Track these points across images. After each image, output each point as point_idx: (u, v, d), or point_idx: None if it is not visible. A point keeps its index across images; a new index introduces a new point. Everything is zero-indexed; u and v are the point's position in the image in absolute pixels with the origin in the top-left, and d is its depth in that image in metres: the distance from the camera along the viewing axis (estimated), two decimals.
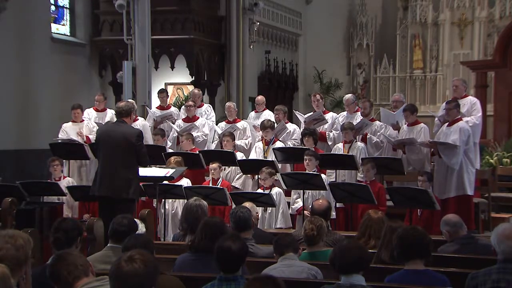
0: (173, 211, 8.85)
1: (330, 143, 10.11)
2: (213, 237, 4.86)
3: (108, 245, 5.03)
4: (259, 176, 8.75)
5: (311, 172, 8.53)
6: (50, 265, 3.57)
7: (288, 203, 8.99)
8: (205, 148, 10.38)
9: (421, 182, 8.45)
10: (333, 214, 8.59)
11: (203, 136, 10.65)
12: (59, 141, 10.32)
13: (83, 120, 10.59)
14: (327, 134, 10.16)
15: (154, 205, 8.85)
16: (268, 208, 8.36)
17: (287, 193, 9.10)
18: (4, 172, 10.70)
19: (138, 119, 10.48)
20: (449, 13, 18.87)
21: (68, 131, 10.42)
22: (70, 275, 3.41)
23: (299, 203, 8.84)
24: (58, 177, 9.50)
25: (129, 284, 3.09)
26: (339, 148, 9.56)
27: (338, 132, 10.06)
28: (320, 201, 6.53)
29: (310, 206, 7.27)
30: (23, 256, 3.49)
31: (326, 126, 10.25)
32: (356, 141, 9.58)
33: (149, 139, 10.13)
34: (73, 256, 3.51)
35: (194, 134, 10.37)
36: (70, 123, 10.57)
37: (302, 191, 8.51)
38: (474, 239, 5.80)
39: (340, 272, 3.99)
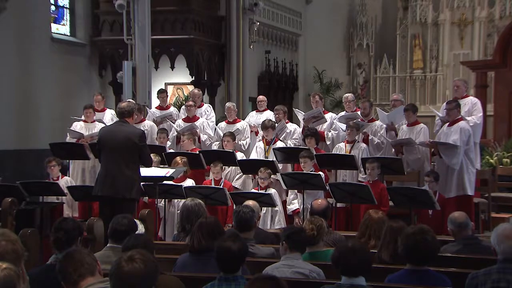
0: (173, 211, 8.84)
1: (328, 142, 10.10)
2: (212, 236, 4.87)
3: (108, 245, 5.02)
4: (258, 176, 8.76)
5: (311, 172, 8.53)
6: (59, 262, 3.58)
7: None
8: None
9: (428, 182, 8.44)
10: None
11: (210, 139, 10.66)
12: (68, 135, 10.30)
13: (94, 121, 10.54)
14: (325, 134, 10.16)
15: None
16: (263, 208, 8.33)
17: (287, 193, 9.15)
18: (4, 172, 10.70)
19: (145, 120, 10.48)
20: (449, 13, 18.85)
21: (79, 130, 10.37)
22: (75, 273, 3.42)
23: (295, 205, 8.86)
24: (56, 176, 9.52)
25: (129, 284, 3.09)
26: (341, 148, 9.55)
27: (336, 132, 10.06)
28: (319, 200, 6.50)
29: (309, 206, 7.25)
30: (21, 249, 3.51)
31: (324, 126, 10.23)
32: (358, 141, 9.56)
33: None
34: (81, 254, 3.51)
35: (202, 138, 10.39)
36: (82, 122, 10.54)
37: (300, 191, 8.51)
38: (477, 240, 5.74)
39: (343, 274, 3.97)
